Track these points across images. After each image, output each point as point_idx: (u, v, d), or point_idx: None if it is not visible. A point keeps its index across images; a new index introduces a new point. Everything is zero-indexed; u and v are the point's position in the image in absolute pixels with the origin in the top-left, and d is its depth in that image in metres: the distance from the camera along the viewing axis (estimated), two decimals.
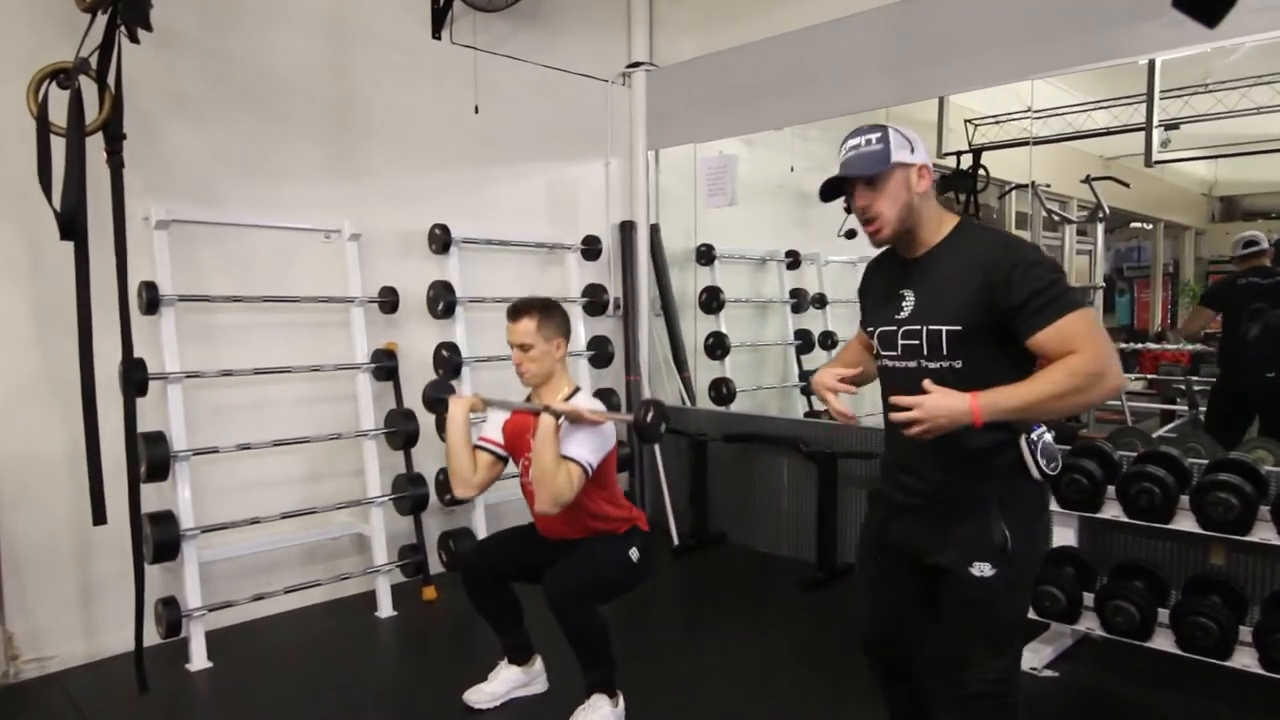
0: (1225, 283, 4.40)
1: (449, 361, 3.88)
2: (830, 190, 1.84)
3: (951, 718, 1.84)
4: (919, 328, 1.77)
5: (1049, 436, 1.77)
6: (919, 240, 1.81)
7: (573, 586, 2.43)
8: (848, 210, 1.85)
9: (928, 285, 1.79)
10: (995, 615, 1.78)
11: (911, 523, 1.86)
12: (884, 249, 1.92)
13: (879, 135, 1.77)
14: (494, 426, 2.67)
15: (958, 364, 1.74)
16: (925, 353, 1.77)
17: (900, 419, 1.68)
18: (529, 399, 2.63)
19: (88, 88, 2.61)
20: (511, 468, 2.69)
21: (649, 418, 2.46)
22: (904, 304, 1.81)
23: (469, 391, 3.86)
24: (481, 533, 3.88)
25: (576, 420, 2.42)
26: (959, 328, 1.72)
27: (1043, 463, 1.74)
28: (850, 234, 1.97)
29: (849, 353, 2.08)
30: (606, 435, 2.51)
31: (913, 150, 1.78)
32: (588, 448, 2.43)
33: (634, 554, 2.58)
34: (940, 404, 1.64)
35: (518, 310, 2.55)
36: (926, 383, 1.68)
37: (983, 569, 1.74)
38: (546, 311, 2.55)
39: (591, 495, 2.52)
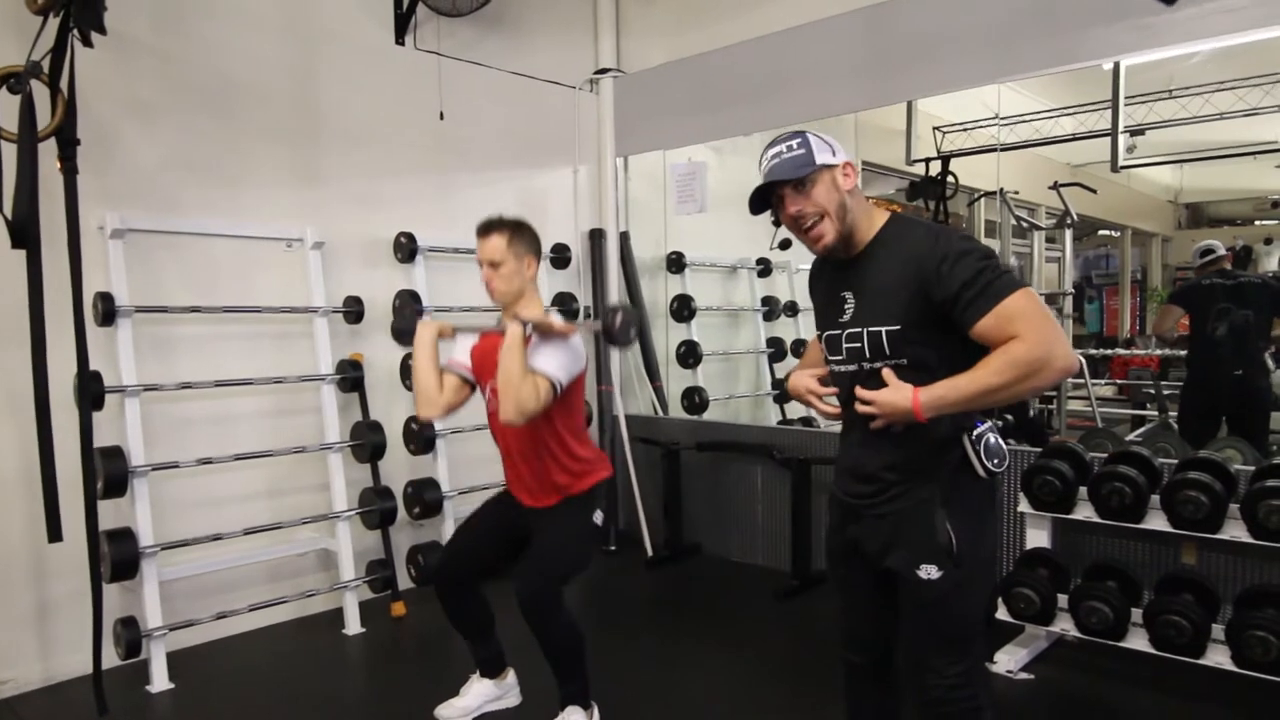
0: (1190, 284, 4.48)
1: None
2: (759, 202, 1.84)
3: None
4: (860, 330, 1.78)
5: (993, 435, 1.78)
6: (853, 240, 1.81)
7: (539, 585, 2.42)
8: (776, 223, 1.87)
9: (865, 287, 1.79)
10: (946, 618, 1.77)
11: (864, 525, 1.87)
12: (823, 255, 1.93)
13: (799, 140, 1.78)
14: (463, 351, 2.63)
15: (903, 361, 1.74)
16: (867, 355, 1.77)
17: (862, 411, 1.73)
18: (499, 324, 2.57)
19: (39, 92, 2.58)
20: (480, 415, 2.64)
21: (618, 321, 2.42)
22: (845, 307, 1.83)
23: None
24: None
25: (546, 332, 2.39)
26: (898, 327, 1.73)
27: (987, 460, 1.75)
28: (784, 244, 1.97)
29: (814, 354, 2.08)
30: (577, 353, 2.45)
31: (834, 152, 1.78)
32: (556, 363, 2.38)
33: (598, 516, 2.56)
34: (887, 399, 1.69)
35: (488, 226, 2.50)
36: (886, 373, 1.71)
37: (930, 571, 1.74)
38: (518, 229, 2.51)
39: (556, 424, 2.46)
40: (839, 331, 1.83)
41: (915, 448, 1.76)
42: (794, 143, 1.78)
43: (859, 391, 1.74)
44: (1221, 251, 4.23)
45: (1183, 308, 4.22)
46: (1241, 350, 3.99)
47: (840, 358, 1.84)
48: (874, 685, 2.00)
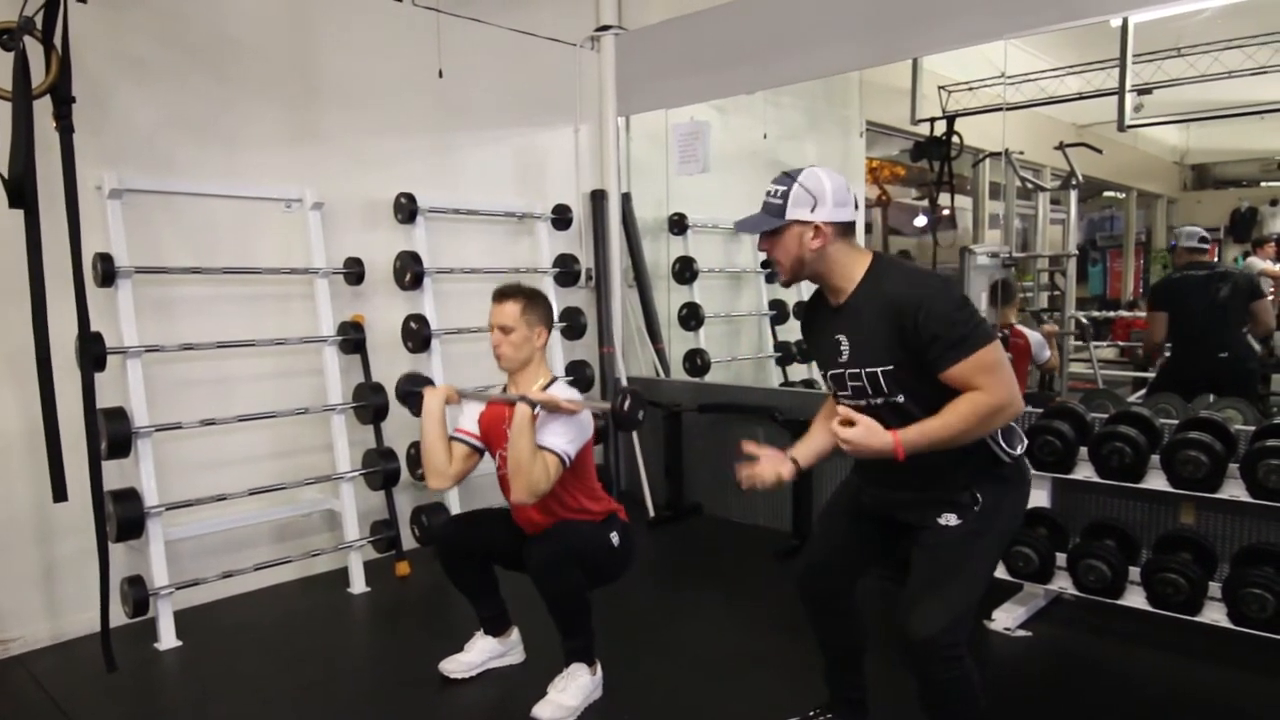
0: (1165, 282, 4.56)
1: (417, 334, 3.86)
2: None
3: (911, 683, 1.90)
4: (858, 370, 1.90)
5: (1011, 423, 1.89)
6: (834, 288, 1.94)
7: (555, 550, 2.43)
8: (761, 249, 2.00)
9: (855, 332, 1.90)
10: (953, 560, 1.87)
11: (889, 493, 1.99)
12: (815, 294, 2.05)
13: (784, 190, 1.88)
14: (469, 418, 2.66)
15: (899, 399, 1.86)
16: (870, 392, 1.90)
17: (844, 449, 1.88)
18: (505, 389, 2.62)
19: (33, 49, 2.54)
20: (488, 463, 2.67)
21: (626, 406, 2.48)
22: (841, 349, 1.94)
23: (441, 375, 3.85)
24: (455, 508, 3.88)
25: (553, 410, 2.42)
26: (891, 366, 1.84)
27: (1009, 446, 1.88)
28: (765, 264, 2.09)
29: (817, 436, 2.13)
30: (584, 425, 2.51)
31: (814, 208, 1.86)
32: (565, 438, 2.43)
33: (614, 538, 2.58)
34: (864, 439, 1.81)
35: (504, 293, 2.54)
36: (858, 416, 1.82)
37: (949, 519, 1.87)
38: (533, 298, 2.56)
39: (569, 488, 2.52)
40: (841, 370, 1.94)
41: (939, 458, 1.84)
42: (781, 189, 1.88)
43: (835, 429, 1.85)
44: (1207, 244, 4.22)
45: (1166, 310, 4.17)
46: (1224, 333, 3.98)
47: (848, 394, 1.96)
48: (824, 606, 2.17)
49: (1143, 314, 6.74)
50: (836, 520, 2.17)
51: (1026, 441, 1.92)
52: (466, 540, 2.68)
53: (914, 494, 1.94)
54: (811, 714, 2.33)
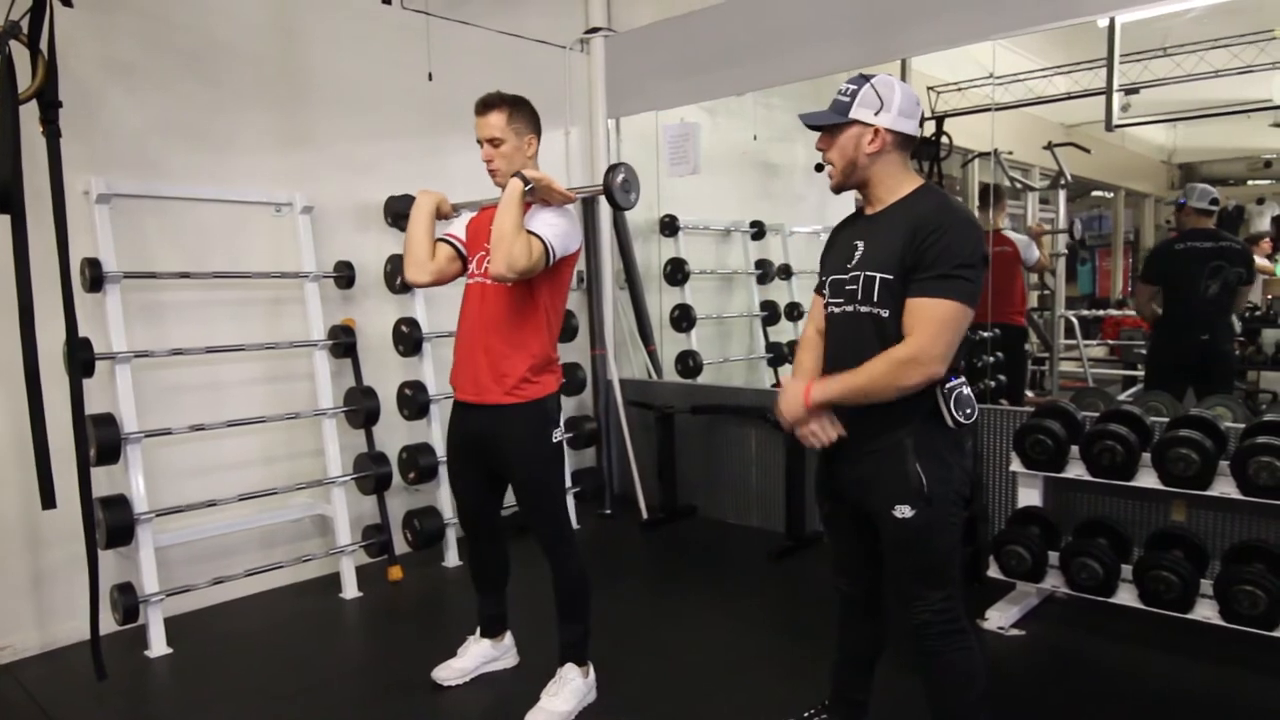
0: (1162, 249, 4.34)
1: (409, 337, 3.84)
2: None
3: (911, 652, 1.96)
4: (859, 274, 1.89)
5: (964, 389, 1.88)
6: (875, 197, 1.94)
7: (552, 530, 2.50)
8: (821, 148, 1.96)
9: (875, 237, 1.90)
10: (922, 553, 1.90)
11: (844, 464, 1.98)
12: (855, 210, 2.06)
13: (854, 89, 1.86)
14: (459, 226, 2.62)
15: (884, 313, 1.84)
16: (859, 297, 1.89)
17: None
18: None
19: (18, 53, 2.51)
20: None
21: (618, 179, 2.39)
22: (855, 253, 1.93)
23: (434, 379, 3.83)
24: (447, 512, 3.86)
25: (545, 192, 2.36)
26: (890, 276, 1.83)
27: (957, 411, 1.85)
28: (818, 167, 2.05)
29: (808, 358, 2.09)
30: (574, 225, 2.42)
31: (879, 111, 1.85)
32: (554, 229, 2.34)
33: (556, 435, 2.50)
34: (782, 400, 1.91)
35: (487, 104, 2.45)
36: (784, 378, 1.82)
37: (903, 511, 1.86)
38: (517, 104, 2.47)
39: (542, 305, 2.42)
40: (843, 275, 1.93)
41: (877, 412, 1.85)
42: (851, 88, 1.86)
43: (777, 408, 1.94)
44: (1217, 207, 4.07)
45: (1155, 282, 4.08)
46: (1213, 314, 3.94)
47: (840, 300, 1.94)
48: (863, 611, 2.15)
49: (1132, 312, 6.78)
50: (839, 526, 2.13)
51: (976, 412, 1.91)
52: (477, 525, 2.68)
53: (860, 461, 1.91)
54: (808, 714, 2.32)
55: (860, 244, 1.92)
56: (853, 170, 1.89)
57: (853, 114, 1.85)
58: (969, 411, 1.88)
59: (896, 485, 1.86)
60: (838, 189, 1.94)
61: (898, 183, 1.90)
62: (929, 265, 1.76)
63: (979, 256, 1.80)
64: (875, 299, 1.85)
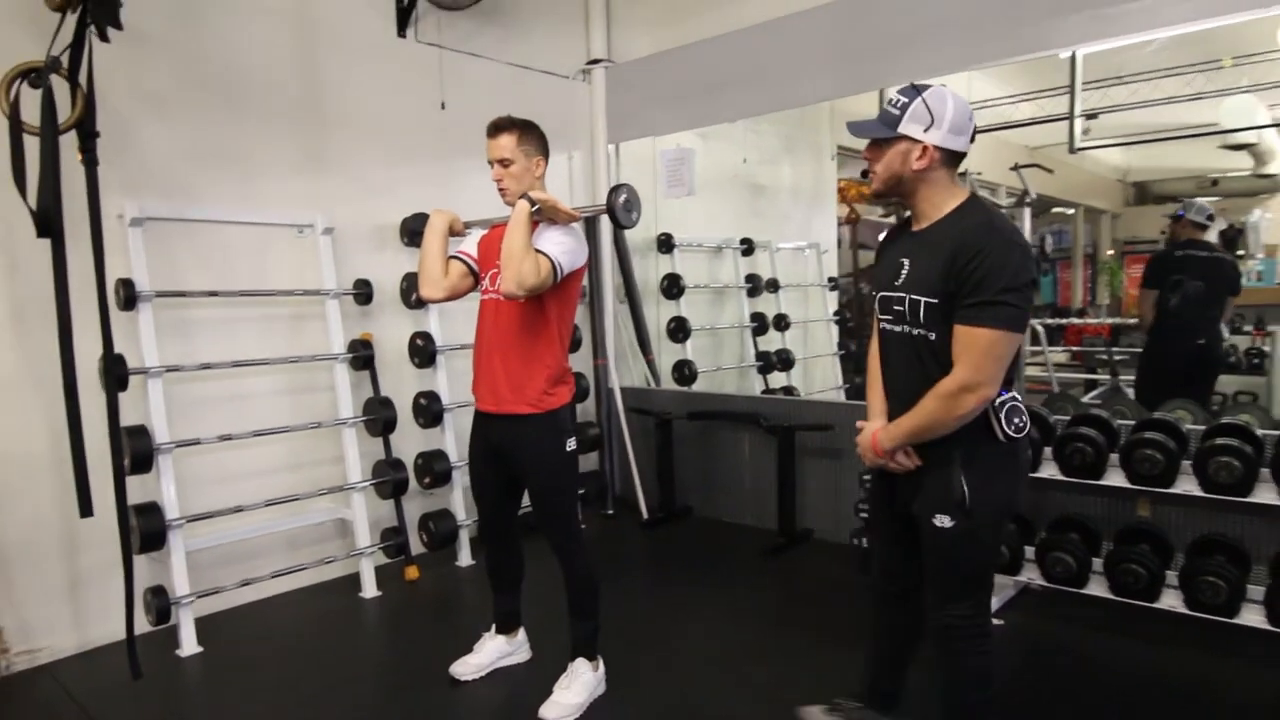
0: (1161, 256, 4.31)
1: (424, 350, 3.82)
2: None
3: (933, 646, 1.95)
4: (904, 295, 1.80)
5: (1017, 401, 1.80)
6: (920, 212, 1.83)
7: (563, 531, 2.49)
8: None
9: (920, 256, 1.80)
10: (956, 562, 1.85)
11: (901, 476, 1.93)
12: (901, 221, 1.95)
13: (905, 101, 1.73)
14: (471, 243, 2.60)
15: (931, 335, 1.77)
16: (908, 318, 1.81)
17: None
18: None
19: (59, 86, 2.50)
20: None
21: (621, 200, 2.39)
22: (902, 271, 1.83)
23: (447, 390, 3.82)
24: (460, 514, 3.84)
25: (552, 211, 2.35)
26: (935, 300, 1.74)
27: (1007, 426, 1.77)
28: (864, 174, 1.98)
29: (874, 399, 2.01)
30: (579, 243, 2.40)
31: (929, 128, 1.72)
32: (560, 247, 2.33)
33: (570, 444, 2.49)
34: (860, 439, 1.96)
35: (498, 126, 2.44)
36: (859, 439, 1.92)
37: (943, 520, 1.81)
38: (527, 128, 2.47)
39: (552, 320, 2.41)
40: (892, 294, 1.85)
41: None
42: (903, 100, 1.74)
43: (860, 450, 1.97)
44: (1212, 222, 4.05)
45: (1157, 286, 4.02)
46: (1204, 320, 3.92)
47: (889, 318, 1.87)
48: (900, 607, 2.11)
49: (1093, 320, 6.81)
50: (882, 525, 2.10)
51: (1029, 423, 1.83)
52: (493, 531, 2.67)
53: (914, 470, 1.88)
54: (837, 702, 2.26)
55: (906, 262, 1.82)
56: (897, 184, 1.79)
57: (902, 128, 1.73)
58: (1019, 424, 1.78)
59: (940, 494, 1.81)
60: (877, 197, 1.86)
61: (943, 199, 1.78)
62: (972, 290, 1.66)
63: (1024, 280, 1.67)
64: (922, 321, 1.77)
